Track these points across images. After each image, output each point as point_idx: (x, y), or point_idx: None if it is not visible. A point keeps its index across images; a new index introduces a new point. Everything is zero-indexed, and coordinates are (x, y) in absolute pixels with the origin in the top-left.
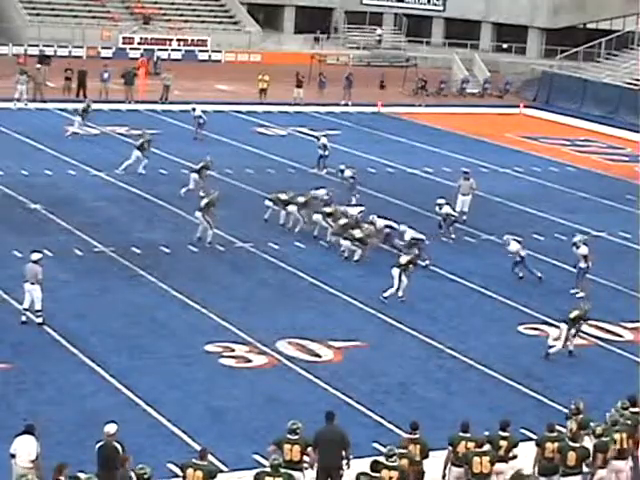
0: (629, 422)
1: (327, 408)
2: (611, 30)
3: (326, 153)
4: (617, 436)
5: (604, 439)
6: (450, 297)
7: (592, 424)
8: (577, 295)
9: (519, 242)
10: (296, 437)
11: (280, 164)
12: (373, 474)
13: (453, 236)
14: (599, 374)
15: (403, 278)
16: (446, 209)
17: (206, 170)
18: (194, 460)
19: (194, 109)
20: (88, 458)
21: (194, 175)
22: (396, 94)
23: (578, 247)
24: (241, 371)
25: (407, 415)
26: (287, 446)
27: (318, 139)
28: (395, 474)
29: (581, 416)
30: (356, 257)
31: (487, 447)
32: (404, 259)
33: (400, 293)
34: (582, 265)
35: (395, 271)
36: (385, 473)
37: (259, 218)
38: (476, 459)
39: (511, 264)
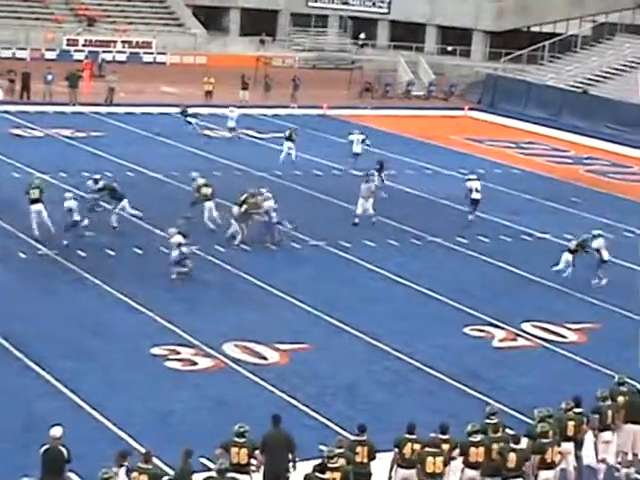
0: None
1: (273, 411)
2: (555, 33)
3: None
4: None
5: (544, 441)
6: (396, 299)
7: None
8: (597, 284)
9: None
10: (243, 440)
11: (226, 166)
12: (320, 475)
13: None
14: (544, 375)
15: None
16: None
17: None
18: (139, 464)
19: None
20: (32, 462)
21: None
22: (342, 96)
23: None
24: (187, 374)
25: (354, 417)
26: (234, 449)
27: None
28: (338, 475)
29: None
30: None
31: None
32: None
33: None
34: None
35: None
36: (328, 475)
37: (204, 220)
38: (429, 459)
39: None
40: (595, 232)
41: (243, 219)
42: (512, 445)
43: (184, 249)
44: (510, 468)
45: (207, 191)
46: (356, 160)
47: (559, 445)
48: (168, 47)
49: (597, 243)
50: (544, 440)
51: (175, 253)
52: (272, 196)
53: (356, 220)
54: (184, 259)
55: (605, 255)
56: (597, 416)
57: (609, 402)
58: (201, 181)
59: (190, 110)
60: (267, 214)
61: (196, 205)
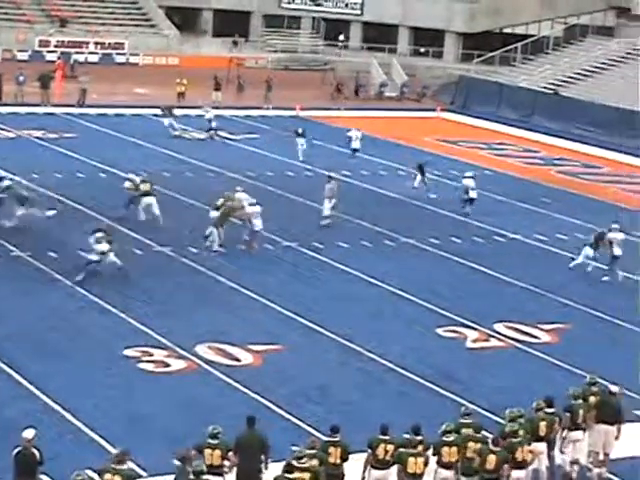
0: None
1: (247, 412)
2: (526, 35)
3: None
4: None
5: (513, 440)
6: (369, 300)
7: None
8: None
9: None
10: (217, 441)
11: (198, 168)
12: (287, 476)
13: None
14: (516, 375)
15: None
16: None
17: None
18: (112, 465)
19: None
20: (5, 465)
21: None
22: (314, 97)
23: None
24: (160, 376)
25: (327, 418)
26: (208, 451)
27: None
28: (307, 475)
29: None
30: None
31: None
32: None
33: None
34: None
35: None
36: (297, 475)
37: (177, 221)
38: (411, 459)
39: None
40: (613, 226)
41: (221, 223)
42: (492, 447)
43: (101, 256)
44: (489, 470)
45: (146, 187)
46: (353, 156)
47: (529, 444)
48: (140, 48)
49: (611, 236)
50: (514, 440)
51: (93, 257)
52: (255, 201)
53: (323, 222)
54: (95, 262)
55: (616, 251)
56: (568, 414)
57: (580, 401)
58: (138, 179)
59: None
60: (249, 221)
61: (133, 203)
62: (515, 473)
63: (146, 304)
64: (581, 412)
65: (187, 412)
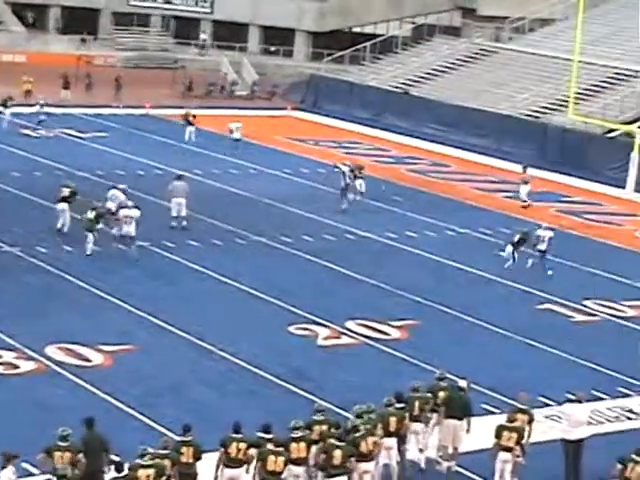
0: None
1: (98, 413)
2: (375, 34)
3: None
4: (369, 427)
5: (356, 434)
6: (221, 299)
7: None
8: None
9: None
10: (67, 444)
11: (47, 166)
12: (132, 473)
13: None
14: (368, 372)
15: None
16: None
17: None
18: None
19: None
20: None
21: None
22: (165, 96)
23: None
24: (9, 377)
25: (179, 418)
26: (58, 453)
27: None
28: (152, 472)
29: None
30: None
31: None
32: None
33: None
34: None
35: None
36: (142, 472)
37: (26, 221)
38: (271, 457)
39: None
40: (544, 225)
41: (92, 227)
42: (336, 442)
43: None
44: (336, 465)
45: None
46: (237, 146)
47: (372, 435)
48: None
49: (539, 234)
50: (356, 434)
51: None
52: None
53: (174, 223)
54: None
55: (542, 246)
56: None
57: (418, 394)
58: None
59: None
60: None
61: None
62: (363, 466)
63: None
64: (417, 404)
65: (36, 414)
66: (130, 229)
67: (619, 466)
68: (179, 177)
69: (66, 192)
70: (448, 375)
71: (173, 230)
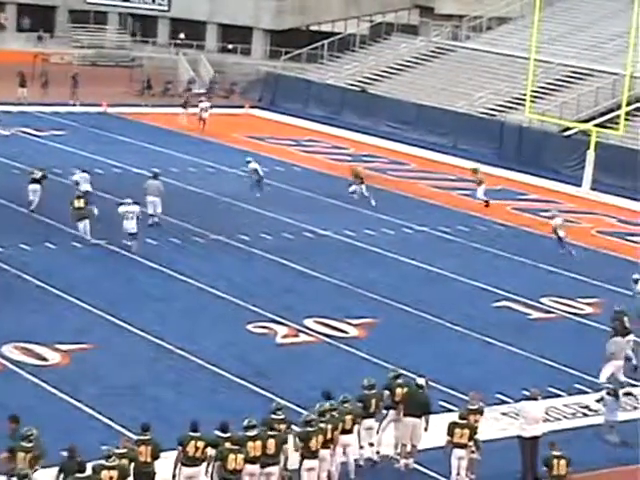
0: (336, 414)
1: (56, 413)
2: (333, 32)
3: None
4: (323, 426)
5: (308, 429)
6: (179, 297)
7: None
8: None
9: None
10: (30, 445)
11: (4, 165)
12: (96, 475)
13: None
14: (326, 370)
15: None
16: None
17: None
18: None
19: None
20: None
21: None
22: (122, 94)
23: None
24: None
25: (138, 417)
26: (21, 454)
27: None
28: (115, 473)
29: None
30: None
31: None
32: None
33: None
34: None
35: None
36: (105, 474)
37: None
38: (231, 456)
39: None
40: (555, 213)
41: (84, 214)
42: (269, 432)
43: None
44: (269, 454)
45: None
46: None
47: (324, 434)
48: None
49: (554, 223)
50: (309, 429)
51: None
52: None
53: (150, 221)
54: None
55: (562, 233)
56: (361, 404)
57: (374, 391)
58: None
59: None
60: (137, 218)
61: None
62: (308, 463)
63: None
64: (373, 402)
65: None
66: (132, 225)
67: (545, 468)
68: (154, 176)
69: (38, 174)
70: (403, 372)
71: (150, 227)
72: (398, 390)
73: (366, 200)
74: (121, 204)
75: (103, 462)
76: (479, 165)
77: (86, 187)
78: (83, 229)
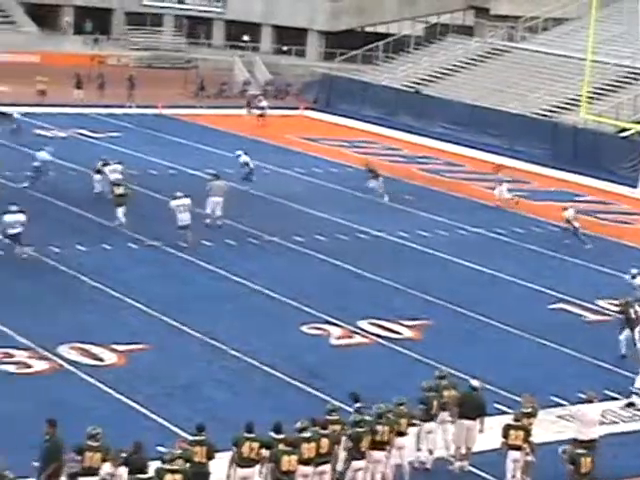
0: (392, 416)
1: (113, 413)
2: (388, 34)
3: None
4: (379, 428)
5: (359, 429)
6: (233, 298)
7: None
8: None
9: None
10: (97, 444)
11: (60, 166)
12: (152, 476)
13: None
14: (380, 371)
15: None
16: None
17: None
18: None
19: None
20: None
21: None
22: (177, 96)
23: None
24: (21, 377)
25: (192, 417)
26: (89, 453)
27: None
28: (179, 477)
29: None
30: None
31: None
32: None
33: None
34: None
35: None
36: (169, 477)
37: (39, 221)
38: (285, 457)
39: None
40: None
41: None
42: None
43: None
44: (322, 454)
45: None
46: None
47: (374, 434)
48: (0, 45)
49: (567, 214)
50: (359, 429)
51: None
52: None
53: (207, 221)
54: None
55: (576, 224)
56: (422, 406)
57: (434, 393)
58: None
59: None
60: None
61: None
62: (356, 464)
63: (7, 305)
64: (435, 404)
65: (50, 414)
66: (186, 217)
67: (571, 466)
68: (216, 176)
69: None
70: (449, 373)
71: (207, 228)
72: (445, 392)
73: (379, 194)
74: (173, 198)
75: (166, 466)
76: (527, 165)
77: (115, 176)
78: (122, 214)
